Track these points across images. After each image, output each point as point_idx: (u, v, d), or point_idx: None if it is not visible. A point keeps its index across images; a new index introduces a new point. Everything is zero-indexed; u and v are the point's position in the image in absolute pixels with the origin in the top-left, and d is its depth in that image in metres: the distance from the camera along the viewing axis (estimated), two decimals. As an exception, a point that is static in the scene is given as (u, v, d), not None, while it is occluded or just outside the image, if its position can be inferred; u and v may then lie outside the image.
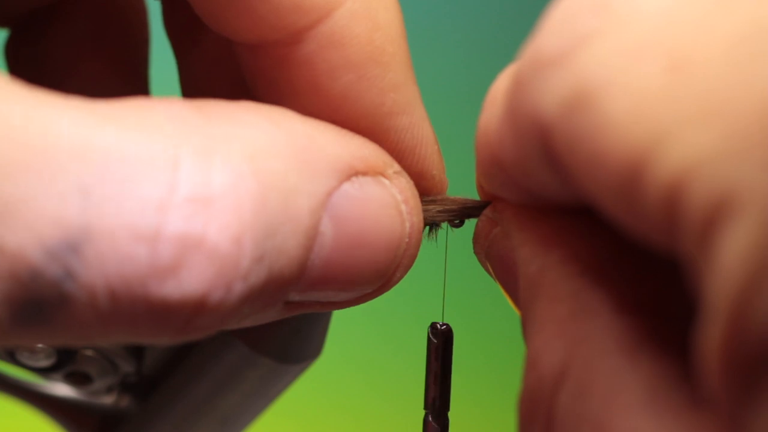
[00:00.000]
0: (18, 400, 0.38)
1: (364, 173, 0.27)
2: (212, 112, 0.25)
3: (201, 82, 0.33)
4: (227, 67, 0.33)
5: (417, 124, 0.29)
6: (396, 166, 0.29)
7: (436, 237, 0.31)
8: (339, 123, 0.28)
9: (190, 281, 0.23)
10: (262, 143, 0.25)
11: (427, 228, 0.31)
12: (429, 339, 0.32)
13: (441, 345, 0.32)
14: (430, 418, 0.32)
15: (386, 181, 0.28)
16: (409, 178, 0.29)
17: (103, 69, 0.35)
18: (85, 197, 0.22)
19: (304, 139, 0.26)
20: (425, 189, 0.31)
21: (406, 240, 0.28)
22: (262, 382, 0.35)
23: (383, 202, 0.28)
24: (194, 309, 0.23)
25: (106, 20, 0.35)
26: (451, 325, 0.33)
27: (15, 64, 0.35)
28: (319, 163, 0.26)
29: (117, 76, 0.35)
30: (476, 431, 1.05)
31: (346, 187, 0.27)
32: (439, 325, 0.33)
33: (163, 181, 0.23)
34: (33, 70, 0.35)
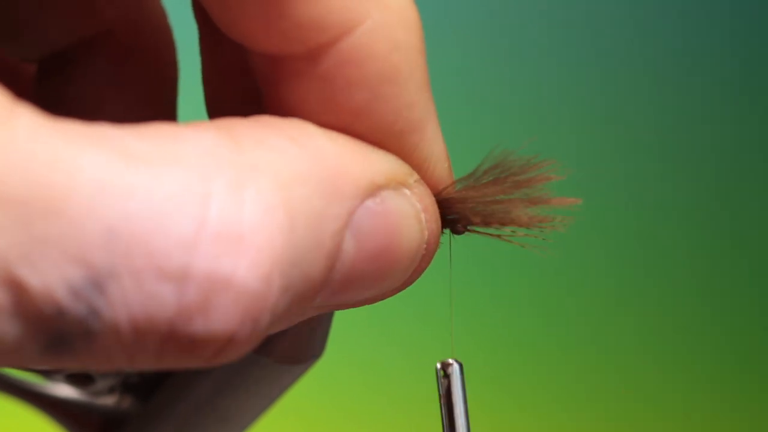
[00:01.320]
0: (19, 400, 0.38)
1: (386, 187, 0.28)
2: (242, 137, 0.25)
3: (221, 78, 0.33)
4: (243, 69, 0.33)
5: (428, 141, 0.29)
6: (416, 175, 0.29)
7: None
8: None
9: (218, 320, 0.23)
10: (290, 170, 0.25)
11: None
12: (438, 379, 0.32)
13: (447, 388, 0.32)
14: None
15: (407, 191, 0.28)
16: (426, 186, 0.29)
17: (130, 108, 0.35)
18: (111, 237, 0.22)
19: (328, 160, 0.26)
20: None
21: (424, 246, 0.29)
22: (264, 383, 0.35)
23: (404, 214, 0.28)
24: (222, 345, 0.24)
25: (133, 59, 0.35)
26: (455, 328, 0.33)
27: (41, 100, 0.35)
28: (343, 184, 0.26)
29: (144, 115, 0.35)
30: None
31: (369, 203, 0.27)
32: (446, 364, 0.32)
33: (193, 218, 0.23)
34: (58, 107, 0.35)
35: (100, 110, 0.35)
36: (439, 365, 0.31)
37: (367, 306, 0.29)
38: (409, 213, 0.28)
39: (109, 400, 0.38)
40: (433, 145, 0.30)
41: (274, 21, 0.27)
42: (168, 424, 0.36)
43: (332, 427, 1.07)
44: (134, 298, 0.22)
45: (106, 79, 0.35)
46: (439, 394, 0.31)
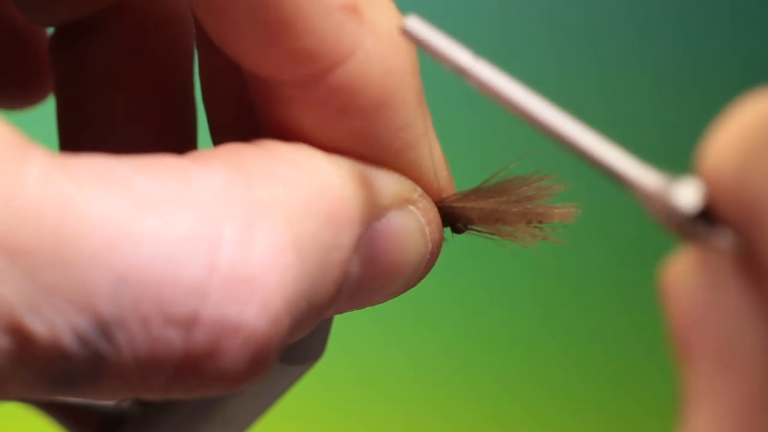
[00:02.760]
0: (19, 400, 0.38)
1: (392, 207, 0.28)
2: (251, 171, 0.25)
3: (216, 85, 0.33)
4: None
5: (426, 155, 0.30)
6: (419, 189, 0.29)
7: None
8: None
9: (227, 363, 0.23)
10: (299, 204, 0.25)
11: None
12: None
13: None
14: None
15: (411, 208, 0.29)
16: (429, 199, 0.29)
17: (146, 80, 0.35)
18: (120, 286, 0.22)
19: (335, 189, 0.26)
20: None
21: (428, 256, 0.29)
22: (264, 383, 0.34)
23: (409, 230, 0.28)
24: (231, 383, 0.24)
25: (150, 32, 0.35)
26: (454, 325, 0.33)
27: (57, 65, 0.35)
28: (350, 212, 0.26)
29: (159, 86, 0.35)
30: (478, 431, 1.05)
31: (376, 225, 0.27)
32: None
33: (204, 264, 0.23)
34: (75, 76, 0.35)
35: (115, 82, 0.35)
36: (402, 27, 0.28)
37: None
38: (414, 228, 0.28)
39: (109, 401, 0.38)
40: (431, 158, 0.30)
41: (268, 48, 0.27)
42: (168, 424, 0.36)
43: (332, 427, 1.07)
44: (141, 343, 0.22)
45: (122, 50, 0.35)
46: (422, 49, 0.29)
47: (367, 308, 0.29)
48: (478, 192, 0.31)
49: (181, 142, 0.35)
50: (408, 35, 0.26)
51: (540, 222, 0.31)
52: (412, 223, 0.28)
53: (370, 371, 1.10)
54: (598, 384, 1.03)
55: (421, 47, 0.27)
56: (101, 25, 0.35)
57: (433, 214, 0.29)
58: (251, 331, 0.23)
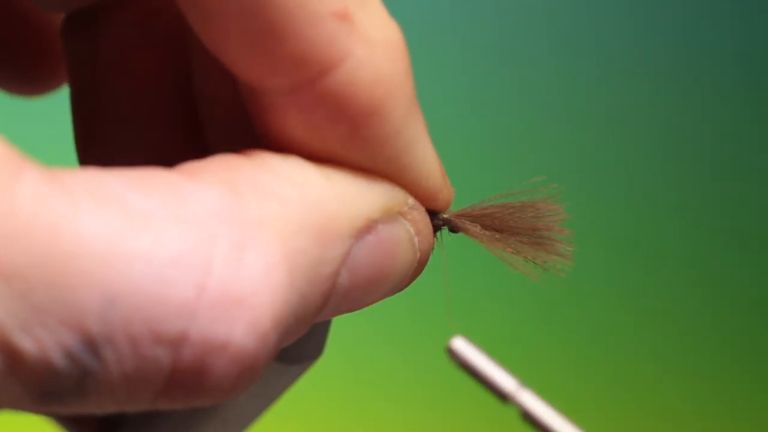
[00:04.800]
0: (8, 411, 0.38)
1: (382, 220, 0.28)
2: (244, 187, 0.25)
3: (210, 83, 0.33)
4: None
5: (419, 160, 0.29)
6: (410, 199, 0.29)
7: (435, 242, 0.32)
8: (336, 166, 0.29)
9: (214, 380, 0.23)
10: (291, 220, 0.25)
11: None
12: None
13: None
14: None
15: (402, 219, 0.28)
16: (421, 208, 0.29)
17: (157, 65, 0.35)
18: (109, 304, 0.22)
19: (326, 204, 0.26)
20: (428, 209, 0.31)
21: (416, 265, 0.29)
22: (263, 383, 0.34)
23: (398, 241, 0.28)
24: (218, 396, 0.24)
25: (159, 21, 0.35)
26: (453, 325, 0.33)
27: (69, 51, 0.35)
28: (341, 227, 0.26)
29: (171, 72, 0.35)
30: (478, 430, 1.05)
31: (366, 237, 0.27)
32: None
33: (193, 283, 0.23)
34: (84, 64, 0.35)
35: (127, 67, 0.35)
36: (447, 347, 0.30)
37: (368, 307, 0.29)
38: (403, 239, 0.28)
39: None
40: (425, 161, 0.30)
41: (257, 54, 0.27)
42: (168, 424, 0.36)
43: (332, 427, 1.07)
44: (129, 361, 0.23)
45: (134, 35, 0.35)
46: (466, 372, 0.30)
47: (366, 308, 0.29)
48: (481, 211, 0.31)
49: (192, 128, 0.35)
50: (453, 355, 0.27)
51: (542, 252, 0.31)
52: (401, 234, 0.28)
53: (370, 371, 1.10)
54: (598, 384, 1.03)
55: (466, 368, 0.27)
56: (112, 10, 0.35)
57: (423, 225, 0.29)
58: (239, 350, 0.23)
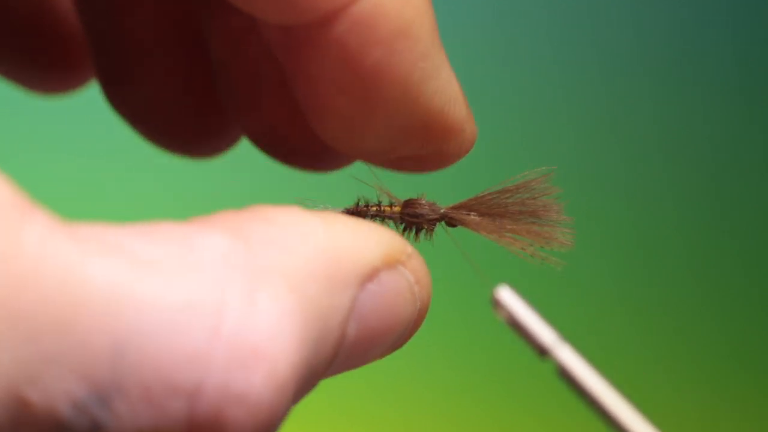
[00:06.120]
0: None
1: (384, 268, 0.28)
2: (251, 237, 0.25)
3: (228, 56, 0.33)
4: (254, 43, 0.33)
5: (445, 85, 0.30)
6: (409, 248, 0.29)
7: (431, 237, 0.32)
8: (370, 95, 0.29)
9: (233, 430, 0.23)
10: (299, 268, 0.25)
11: (424, 229, 0.32)
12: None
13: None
14: None
15: (402, 268, 0.28)
16: (419, 256, 0.29)
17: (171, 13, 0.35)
18: (120, 352, 0.22)
19: (329, 251, 0.26)
20: (456, 144, 0.31)
21: (416, 315, 0.29)
22: None
23: (400, 290, 0.28)
24: None
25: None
26: (451, 324, 0.33)
27: (91, 37, 0.36)
28: (346, 275, 0.26)
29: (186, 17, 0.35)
30: (478, 429, 1.05)
31: (369, 286, 0.27)
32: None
33: (207, 330, 0.22)
34: (109, 43, 0.35)
35: (150, 51, 0.36)
36: (492, 298, 0.30)
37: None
38: (404, 288, 0.28)
39: None
40: (450, 89, 0.30)
41: None
42: None
43: (332, 427, 1.07)
44: (142, 412, 0.22)
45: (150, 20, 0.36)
46: (509, 325, 0.30)
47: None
48: (481, 201, 0.31)
49: (206, 79, 0.35)
50: (498, 305, 0.27)
51: (540, 240, 0.31)
52: (402, 283, 0.28)
53: (370, 371, 1.09)
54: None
55: (508, 318, 0.27)
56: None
57: (423, 274, 0.29)
58: (257, 401, 0.23)
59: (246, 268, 0.24)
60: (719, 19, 1.07)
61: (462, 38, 1.02)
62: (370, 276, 0.27)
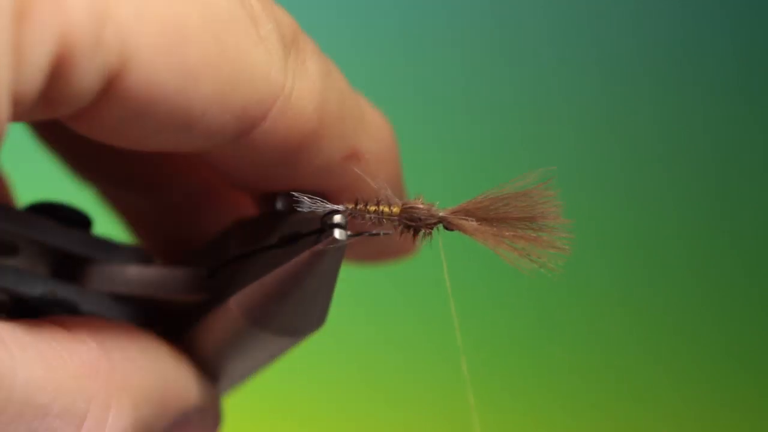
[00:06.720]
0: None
1: (196, 407, 0.33)
2: (113, 350, 0.29)
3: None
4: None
5: (364, 125, 0.33)
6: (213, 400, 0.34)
7: (430, 239, 0.32)
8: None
9: None
10: (144, 389, 0.30)
11: (422, 231, 0.32)
12: None
13: None
14: None
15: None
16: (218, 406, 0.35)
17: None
18: None
19: (170, 382, 0.31)
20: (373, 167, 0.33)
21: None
22: (260, 352, 0.34)
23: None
24: None
25: None
26: (450, 324, 0.33)
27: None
28: (172, 401, 0.31)
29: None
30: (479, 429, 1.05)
31: (183, 413, 0.32)
32: None
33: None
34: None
35: None
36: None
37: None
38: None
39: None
40: (368, 135, 0.33)
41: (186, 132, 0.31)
42: None
43: (332, 427, 1.07)
44: None
45: None
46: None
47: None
48: (480, 205, 0.31)
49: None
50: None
51: (538, 243, 0.31)
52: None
53: (369, 370, 1.10)
54: (598, 384, 1.03)
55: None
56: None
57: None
58: None
59: (106, 382, 0.28)
60: (719, 19, 1.07)
61: (462, 38, 1.02)
62: (186, 408, 0.32)
